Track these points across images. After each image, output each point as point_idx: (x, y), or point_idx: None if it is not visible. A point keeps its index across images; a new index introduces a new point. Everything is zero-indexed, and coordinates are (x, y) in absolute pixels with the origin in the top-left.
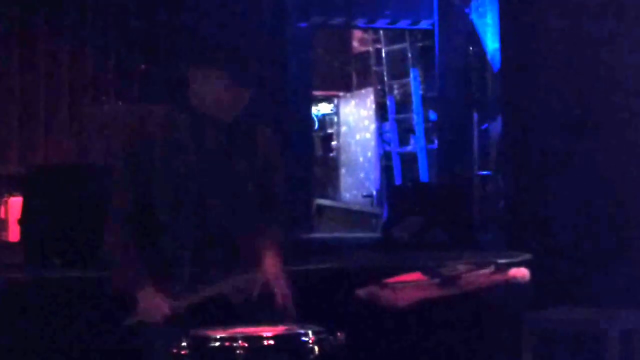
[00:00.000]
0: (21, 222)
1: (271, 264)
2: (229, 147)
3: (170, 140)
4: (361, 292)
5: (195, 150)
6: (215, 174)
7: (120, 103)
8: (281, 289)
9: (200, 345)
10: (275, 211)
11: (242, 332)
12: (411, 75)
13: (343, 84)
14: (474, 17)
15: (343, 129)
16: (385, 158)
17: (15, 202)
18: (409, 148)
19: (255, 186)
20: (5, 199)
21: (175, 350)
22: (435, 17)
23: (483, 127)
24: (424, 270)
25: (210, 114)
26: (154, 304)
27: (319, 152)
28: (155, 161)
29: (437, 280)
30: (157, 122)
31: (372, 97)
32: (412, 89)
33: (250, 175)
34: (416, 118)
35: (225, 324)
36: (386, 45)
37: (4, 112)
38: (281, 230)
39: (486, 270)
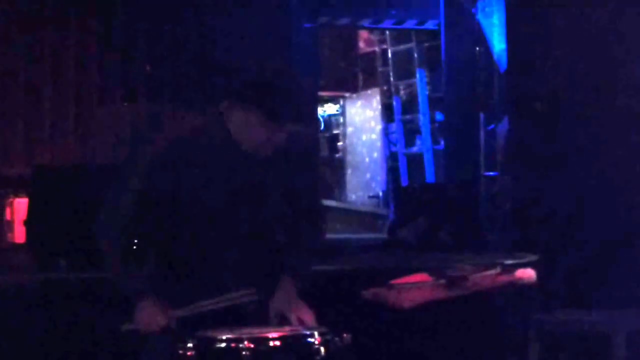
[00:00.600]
0: (27, 223)
1: (286, 293)
2: (261, 184)
3: (199, 160)
4: (367, 293)
5: (226, 180)
6: (243, 199)
7: (126, 104)
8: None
9: (206, 346)
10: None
11: (248, 333)
12: (417, 75)
13: (349, 84)
14: (480, 17)
15: (349, 129)
16: (391, 159)
17: (21, 203)
18: (415, 149)
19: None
20: (10, 200)
21: (181, 351)
22: (442, 18)
23: (489, 127)
24: (430, 271)
25: (247, 149)
26: (152, 316)
27: (324, 152)
28: (184, 179)
29: (443, 281)
30: (189, 140)
31: (378, 98)
32: (418, 89)
33: (279, 201)
34: (422, 119)
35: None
36: (392, 45)
37: (10, 113)
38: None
39: (492, 272)
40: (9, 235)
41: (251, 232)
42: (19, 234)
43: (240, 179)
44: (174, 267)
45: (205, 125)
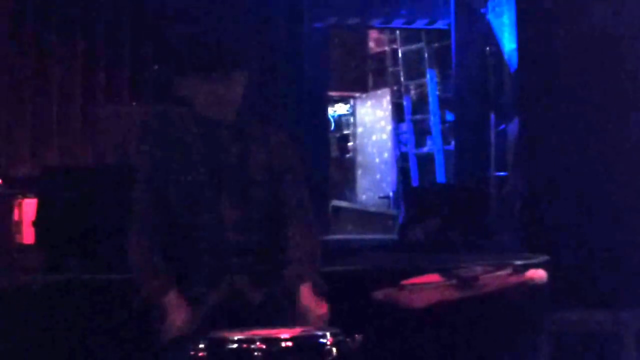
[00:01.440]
0: (35, 224)
1: (308, 300)
2: (241, 153)
3: (183, 143)
4: (378, 294)
5: (207, 155)
6: (229, 181)
7: (134, 104)
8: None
9: (217, 347)
10: (301, 223)
11: (259, 334)
12: (428, 75)
13: (359, 84)
14: (490, 17)
15: (359, 130)
16: (401, 159)
17: (29, 204)
18: (426, 149)
19: (272, 194)
20: (19, 200)
21: (192, 352)
22: (452, 17)
23: (500, 127)
24: (441, 272)
25: (210, 116)
26: (178, 311)
27: (335, 153)
28: (172, 165)
29: (454, 282)
30: (171, 125)
31: (388, 98)
32: (429, 89)
33: (267, 182)
34: (433, 119)
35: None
36: (402, 45)
37: (18, 114)
38: (313, 246)
39: (503, 272)
40: (18, 236)
41: (241, 206)
42: (28, 235)
43: (219, 153)
44: (174, 253)
45: (170, 112)
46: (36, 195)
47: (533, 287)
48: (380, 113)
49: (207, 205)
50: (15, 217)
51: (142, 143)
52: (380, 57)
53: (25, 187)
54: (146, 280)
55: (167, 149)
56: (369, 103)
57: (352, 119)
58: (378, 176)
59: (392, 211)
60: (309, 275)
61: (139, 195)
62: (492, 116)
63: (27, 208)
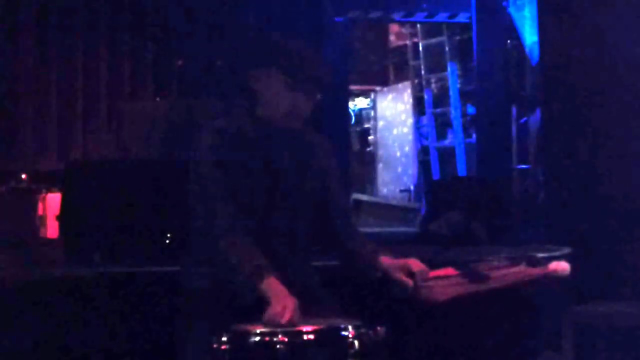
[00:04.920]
0: (59, 218)
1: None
2: (299, 160)
3: (245, 144)
4: None
5: (265, 159)
6: (285, 187)
7: (159, 99)
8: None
9: (240, 340)
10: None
11: (281, 327)
12: (449, 68)
13: (380, 78)
14: (511, 10)
15: (380, 123)
16: (422, 152)
17: (53, 198)
18: (447, 142)
19: (323, 201)
20: (43, 195)
21: (215, 345)
22: (473, 10)
23: (522, 120)
24: (457, 265)
25: (275, 122)
26: (281, 292)
27: (356, 147)
28: (232, 164)
29: (472, 275)
30: (235, 124)
31: (409, 91)
32: (450, 82)
33: (319, 189)
34: (454, 112)
35: None
36: (423, 38)
37: (43, 109)
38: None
39: (516, 269)
40: (42, 230)
41: (298, 205)
42: (52, 229)
43: (278, 156)
44: None
45: (233, 111)
46: (60, 190)
47: (556, 280)
48: (401, 106)
49: (259, 209)
50: (40, 211)
51: (212, 136)
52: (401, 50)
53: (49, 182)
54: (246, 262)
55: (230, 147)
56: (389, 96)
57: (372, 113)
58: (399, 169)
59: (413, 204)
60: (381, 250)
61: (214, 187)
62: (514, 109)
63: (51, 202)
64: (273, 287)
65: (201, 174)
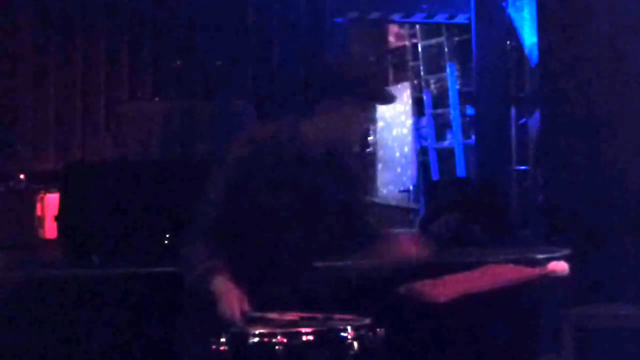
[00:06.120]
0: (58, 218)
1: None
2: (328, 182)
3: (277, 160)
4: (401, 289)
5: (296, 179)
6: (305, 208)
7: (158, 99)
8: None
9: (239, 341)
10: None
11: (280, 328)
12: (448, 69)
13: None
14: (511, 11)
15: (379, 124)
16: (421, 153)
17: (52, 199)
18: (446, 143)
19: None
20: (41, 195)
21: (214, 346)
22: (472, 11)
23: (521, 121)
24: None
25: (347, 145)
26: (227, 290)
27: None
28: (259, 180)
29: (475, 275)
30: (269, 139)
31: (408, 92)
32: (449, 83)
33: (344, 210)
34: (453, 113)
35: None
36: (423, 39)
37: (41, 109)
38: None
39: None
40: (40, 230)
41: (312, 223)
42: (50, 230)
43: (304, 182)
44: (238, 258)
45: (279, 130)
46: (59, 190)
47: (555, 280)
48: (400, 107)
49: (282, 226)
50: (38, 211)
51: (241, 148)
52: (400, 51)
53: (48, 182)
54: (196, 263)
55: (261, 162)
56: None
57: None
58: (398, 170)
59: (412, 205)
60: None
61: (213, 196)
62: (513, 110)
63: (50, 203)
64: (218, 286)
65: (210, 175)
